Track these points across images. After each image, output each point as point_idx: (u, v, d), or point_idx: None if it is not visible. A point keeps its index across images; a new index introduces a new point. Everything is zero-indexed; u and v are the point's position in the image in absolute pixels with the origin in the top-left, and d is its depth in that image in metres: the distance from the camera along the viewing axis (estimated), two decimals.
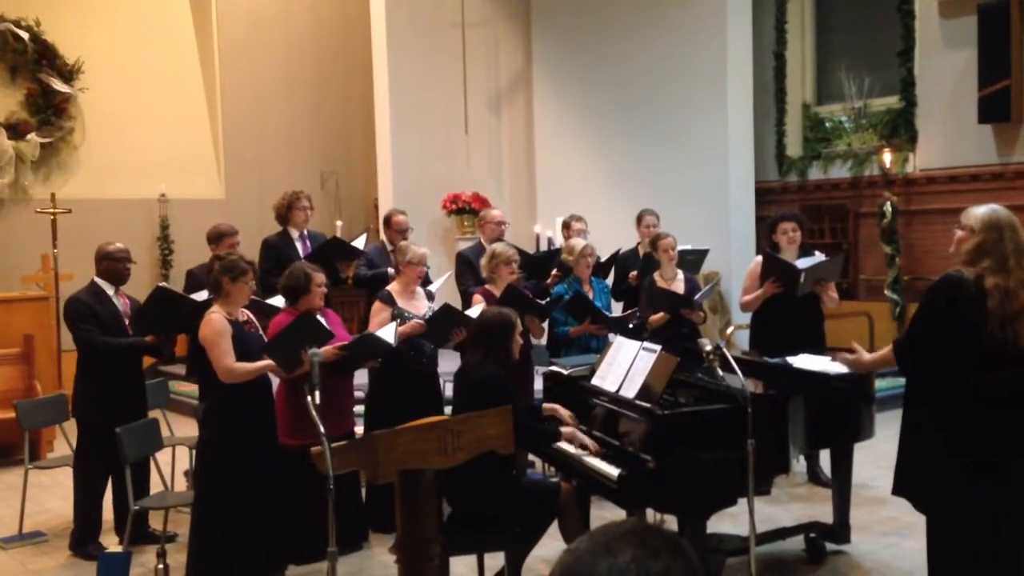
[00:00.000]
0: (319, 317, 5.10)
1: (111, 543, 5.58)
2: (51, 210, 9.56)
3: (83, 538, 5.62)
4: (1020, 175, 9.17)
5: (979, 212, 3.71)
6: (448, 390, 6.28)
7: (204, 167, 12.23)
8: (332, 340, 5.01)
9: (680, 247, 6.70)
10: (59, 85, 11.04)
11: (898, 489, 3.83)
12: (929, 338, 3.68)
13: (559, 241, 7.67)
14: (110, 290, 5.67)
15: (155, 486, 5.99)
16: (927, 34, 9.91)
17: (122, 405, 5.50)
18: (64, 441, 6.34)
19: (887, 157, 10.14)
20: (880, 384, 5.47)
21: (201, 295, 5.74)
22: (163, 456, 6.16)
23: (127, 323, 5.64)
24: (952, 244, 3.79)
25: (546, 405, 4.91)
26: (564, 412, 4.78)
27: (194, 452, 6.13)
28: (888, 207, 9.85)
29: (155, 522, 5.72)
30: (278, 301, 5.59)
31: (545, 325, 6.36)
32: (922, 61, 10.00)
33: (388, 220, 7.11)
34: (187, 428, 7.23)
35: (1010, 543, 3.72)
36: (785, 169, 11.33)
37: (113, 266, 5.69)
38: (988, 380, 3.59)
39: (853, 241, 10.63)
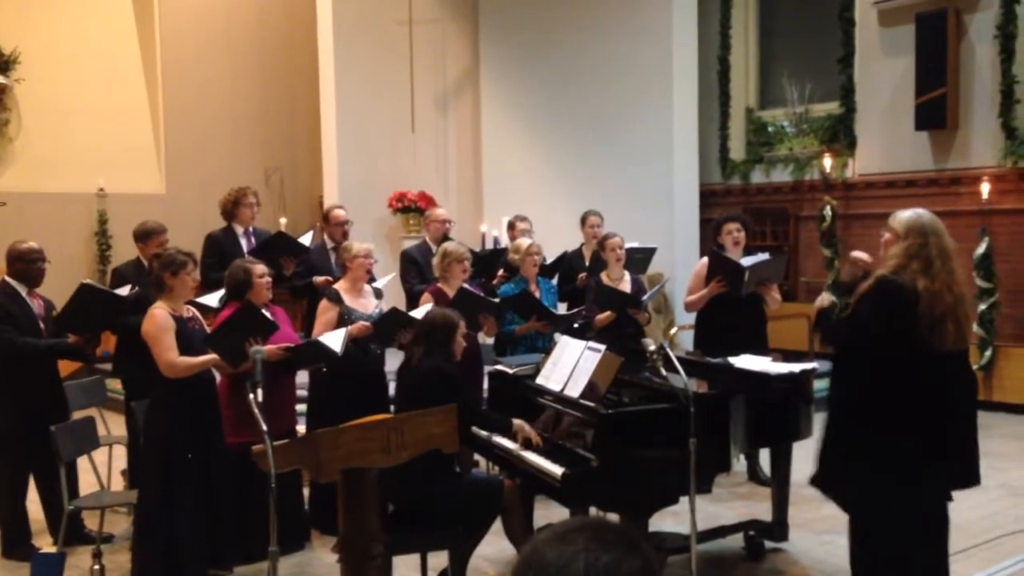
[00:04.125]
0: (265, 312, 5.04)
1: (45, 543, 5.46)
2: None
3: (14, 540, 5.49)
4: (955, 181, 9.41)
5: (904, 216, 3.83)
6: (392, 389, 6.25)
7: (144, 161, 12.01)
8: (278, 336, 4.97)
9: (628, 245, 6.76)
10: None
11: (821, 485, 3.96)
12: (871, 339, 3.77)
13: (505, 240, 7.68)
14: (23, 290, 5.51)
15: (91, 486, 5.86)
16: (866, 42, 10.12)
17: (38, 407, 5.37)
18: None
19: (827, 162, 10.34)
20: (819, 385, 5.56)
21: (123, 290, 5.63)
22: (99, 455, 6.03)
23: (42, 325, 5.51)
24: (880, 247, 3.90)
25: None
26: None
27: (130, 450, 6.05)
28: (828, 211, 10.03)
29: (91, 522, 5.60)
30: (211, 300, 5.52)
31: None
32: (861, 68, 10.21)
33: (326, 216, 7.09)
34: (124, 426, 7.07)
35: (930, 541, 3.84)
36: (729, 172, 11.49)
37: (27, 267, 5.51)
38: (917, 381, 3.70)
39: (794, 244, 10.81)
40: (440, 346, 4.59)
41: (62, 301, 5.67)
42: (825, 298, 4.19)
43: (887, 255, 3.80)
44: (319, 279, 6.44)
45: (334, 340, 5.12)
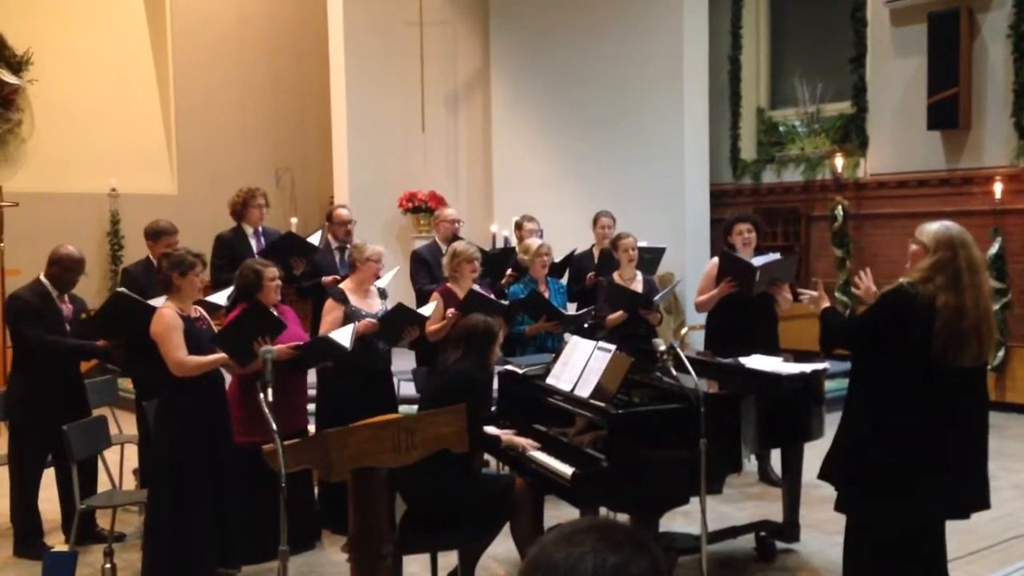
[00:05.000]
0: (273, 312, 5.05)
1: (57, 542, 5.49)
2: None
3: (26, 538, 5.51)
4: (967, 181, 9.36)
5: (932, 229, 3.71)
6: (402, 389, 6.27)
7: (156, 162, 12.05)
8: (286, 335, 4.97)
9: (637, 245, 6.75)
10: (8, 76, 10.80)
11: (827, 476, 3.92)
12: (870, 344, 3.75)
13: (514, 241, 7.69)
14: (54, 292, 5.55)
15: (103, 484, 5.88)
16: (878, 41, 10.08)
17: (59, 406, 5.39)
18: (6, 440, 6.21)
19: (839, 161, 10.31)
20: (830, 385, 5.54)
21: (158, 300, 5.66)
22: (111, 454, 6.06)
23: (68, 327, 5.54)
24: (908, 260, 3.83)
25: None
26: (494, 430, 4.80)
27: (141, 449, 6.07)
28: (839, 211, 10.01)
29: (103, 521, 5.62)
30: (218, 298, 5.53)
31: None
32: (873, 67, 10.17)
33: (329, 216, 7.13)
34: (136, 426, 7.10)
35: (927, 551, 3.82)
36: (739, 172, 11.46)
37: (62, 273, 5.56)
38: (923, 393, 3.66)
39: (805, 244, 10.78)
40: (478, 352, 4.61)
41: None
42: (820, 299, 4.14)
43: (914, 267, 3.73)
44: (327, 279, 6.45)
45: (343, 336, 5.13)
